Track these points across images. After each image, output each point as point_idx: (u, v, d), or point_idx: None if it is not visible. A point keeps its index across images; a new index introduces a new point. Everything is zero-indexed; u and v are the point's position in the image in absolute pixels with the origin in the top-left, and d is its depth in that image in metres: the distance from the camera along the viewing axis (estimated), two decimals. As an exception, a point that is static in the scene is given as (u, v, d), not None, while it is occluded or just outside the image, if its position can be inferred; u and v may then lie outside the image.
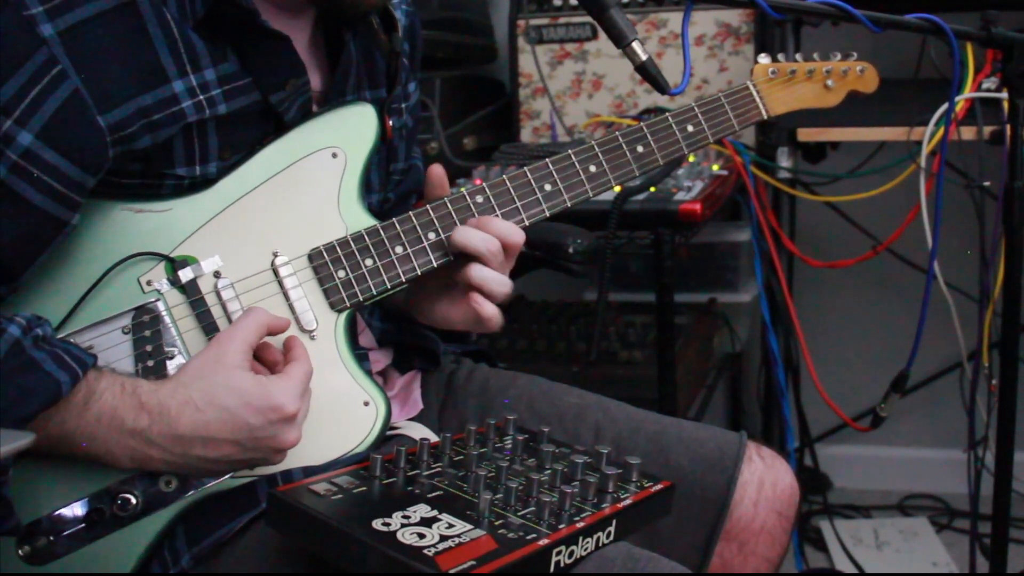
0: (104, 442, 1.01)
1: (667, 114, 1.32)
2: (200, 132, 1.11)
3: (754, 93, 1.38)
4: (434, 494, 1.04)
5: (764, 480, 1.29)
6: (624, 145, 1.29)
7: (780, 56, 1.40)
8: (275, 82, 1.15)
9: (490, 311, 1.21)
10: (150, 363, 1.09)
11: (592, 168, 1.27)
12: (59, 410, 0.98)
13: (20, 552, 1.05)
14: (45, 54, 0.99)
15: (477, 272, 1.20)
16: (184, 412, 1.02)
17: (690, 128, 1.32)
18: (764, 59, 1.39)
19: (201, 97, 1.09)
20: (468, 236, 1.19)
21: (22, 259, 1.02)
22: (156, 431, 1.02)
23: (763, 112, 1.38)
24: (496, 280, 1.20)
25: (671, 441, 1.30)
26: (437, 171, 1.27)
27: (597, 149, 1.28)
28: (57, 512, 1.06)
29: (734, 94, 1.36)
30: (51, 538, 1.05)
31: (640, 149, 1.30)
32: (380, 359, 1.38)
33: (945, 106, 1.86)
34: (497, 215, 1.23)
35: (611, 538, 1.04)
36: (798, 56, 1.42)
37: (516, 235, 1.21)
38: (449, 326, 1.31)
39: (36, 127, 0.99)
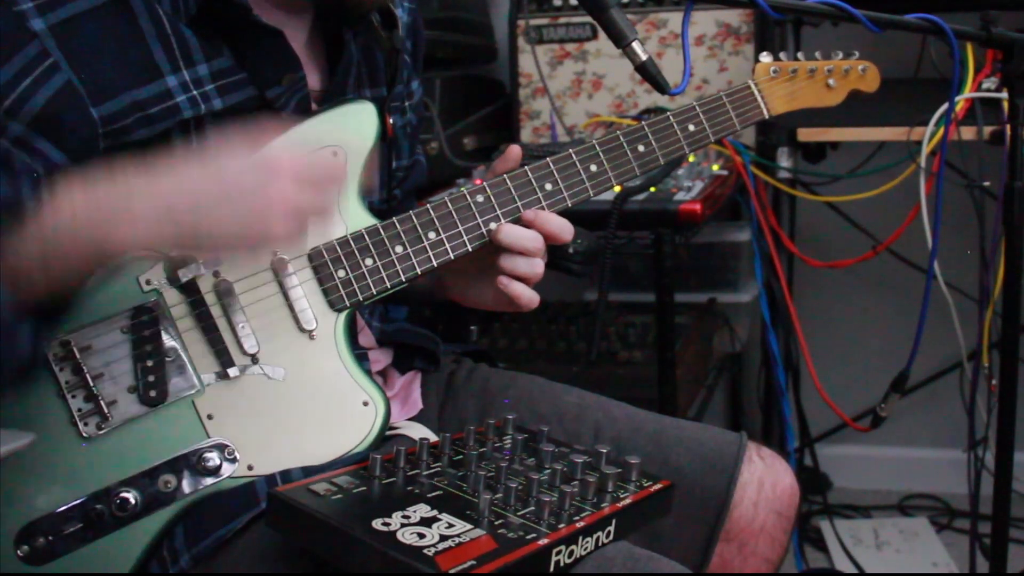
0: (88, 219, 0.96)
1: (668, 113, 1.31)
2: (198, 129, 1.11)
3: (755, 92, 1.37)
4: (434, 494, 1.04)
5: (764, 480, 1.29)
6: (625, 144, 1.29)
7: (781, 55, 1.40)
8: (271, 77, 1.15)
9: (518, 290, 1.23)
10: (149, 363, 1.09)
11: (593, 167, 1.27)
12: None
13: (19, 552, 1.04)
14: (37, 47, 1.00)
15: (508, 261, 1.22)
16: (167, 170, 0.98)
17: (691, 127, 1.32)
18: (766, 58, 1.39)
19: (195, 92, 1.09)
20: (516, 235, 1.21)
21: None
22: (139, 185, 0.97)
23: (764, 111, 1.38)
24: (527, 265, 1.23)
25: (671, 441, 1.30)
26: (515, 151, 1.29)
27: (598, 148, 1.28)
28: (56, 512, 1.05)
29: (735, 93, 1.36)
30: (50, 538, 1.05)
31: (641, 148, 1.29)
32: (380, 359, 1.37)
33: (945, 106, 1.86)
34: (497, 214, 1.23)
35: (611, 538, 1.04)
36: (800, 55, 1.42)
37: (568, 232, 1.24)
38: (483, 306, 1.32)
39: (27, 117, 0.99)
